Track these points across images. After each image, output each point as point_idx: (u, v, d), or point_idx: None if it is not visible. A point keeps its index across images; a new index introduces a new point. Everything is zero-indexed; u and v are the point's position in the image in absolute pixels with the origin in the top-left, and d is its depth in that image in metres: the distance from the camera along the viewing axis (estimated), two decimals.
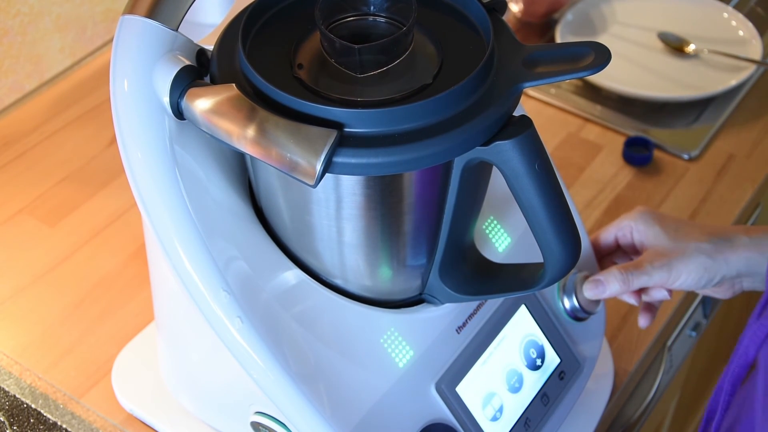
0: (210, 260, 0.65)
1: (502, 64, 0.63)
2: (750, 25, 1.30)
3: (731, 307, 1.49)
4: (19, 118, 1.17)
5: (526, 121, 0.61)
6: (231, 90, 0.60)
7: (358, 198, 0.64)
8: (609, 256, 0.88)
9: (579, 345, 0.83)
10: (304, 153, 0.57)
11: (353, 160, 0.58)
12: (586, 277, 0.82)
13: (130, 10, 0.64)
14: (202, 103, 0.61)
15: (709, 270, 0.79)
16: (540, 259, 0.66)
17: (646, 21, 1.31)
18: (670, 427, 1.41)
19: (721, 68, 1.24)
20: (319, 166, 0.57)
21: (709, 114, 1.20)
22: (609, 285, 0.79)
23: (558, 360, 0.81)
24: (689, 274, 0.79)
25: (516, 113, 0.63)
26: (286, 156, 0.57)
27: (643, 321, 0.87)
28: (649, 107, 1.21)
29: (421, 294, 0.74)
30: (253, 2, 0.66)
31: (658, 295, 0.82)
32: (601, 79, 1.21)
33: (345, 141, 0.58)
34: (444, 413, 0.73)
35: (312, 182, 0.57)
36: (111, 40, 1.25)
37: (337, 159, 0.58)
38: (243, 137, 0.59)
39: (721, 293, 0.84)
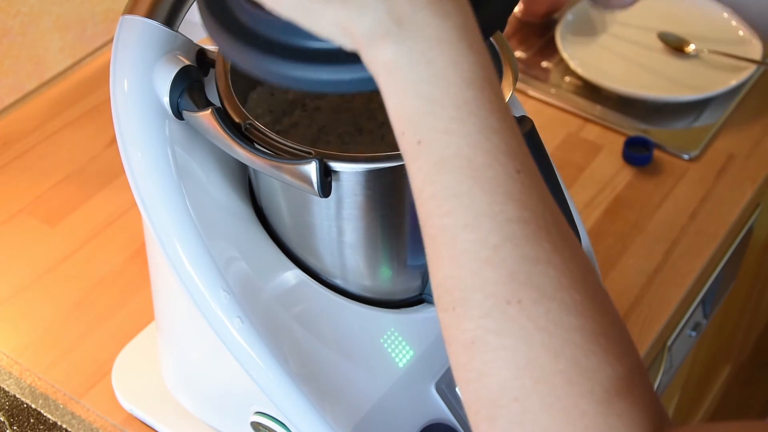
0: (210, 260, 0.65)
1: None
2: None
3: (731, 307, 1.49)
4: (19, 118, 1.17)
5: (526, 122, 0.61)
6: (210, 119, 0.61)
7: (358, 198, 0.64)
8: None
9: None
10: (299, 184, 0.58)
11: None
12: None
13: (130, 10, 0.64)
14: (194, 123, 0.62)
15: None
16: None
17: (646, 21, 1.31)
18: None
19: (721, 68, 1.24)
20: (318, 190, 0.58)
21: (709, 114, 1.20)
22: None
23: None
24: None
25: (516, 113, 0.63)
26: (284, 179, 0.59)
27: None
28: (649, 107, 1.20)
29: (421, 294, 0.74)
30: None
31: None
32: (601, 79, 1.21)
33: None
34: (444, 413, 0.73)
35: (320, 197, 0.58)
36: (111, 40, 1.25)
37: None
38: (237, 155, 0.60)
39: None
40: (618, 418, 0.46)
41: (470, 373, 0.47)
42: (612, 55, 1.27)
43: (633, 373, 0.47)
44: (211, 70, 0.65)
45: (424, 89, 0.48)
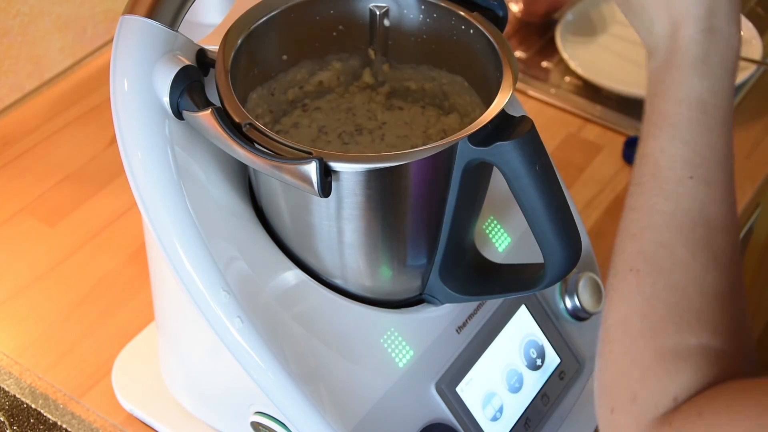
0: (210, 260, 0.65)
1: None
2: (750, 25, 1.30)
3: None
4: (19, 118, 1.17)
5: (526, 122, 0.61)
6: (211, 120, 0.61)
7: (358, 198, 0.64)
8: None
9: (579, 345, 0.83)
10: (299, 184, 0.58)
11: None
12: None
13: (130, 10, 0.64)
14: (194, 123, 0.61)
15: None
16: (540, 260, 0.66)
17: None
18: None
19: None
20: (318, 190, 0.57)
21: None
22: None
23: (558, 360, 0.81)
24: None
25: (516, 113, 0.63)
26: (284, 179, 0.58)
27: None
28: None
29: (421, 294, 0.74)
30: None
31: None
32: (601, 79, 1.21)
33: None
34: (444, 413, 0.73)
35: (320, 196, 0.58)
36: (111, 40, 1.25)
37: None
38: (237, 155, 0.60)
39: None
40: (667, 374, 0.55)
41: (604, 311, 0.61)
42: (612, 55, 1.27)
43: (708, 349, 0.55)
44: (211, 70, 0.65)
45: (651, 96, 0.60)
